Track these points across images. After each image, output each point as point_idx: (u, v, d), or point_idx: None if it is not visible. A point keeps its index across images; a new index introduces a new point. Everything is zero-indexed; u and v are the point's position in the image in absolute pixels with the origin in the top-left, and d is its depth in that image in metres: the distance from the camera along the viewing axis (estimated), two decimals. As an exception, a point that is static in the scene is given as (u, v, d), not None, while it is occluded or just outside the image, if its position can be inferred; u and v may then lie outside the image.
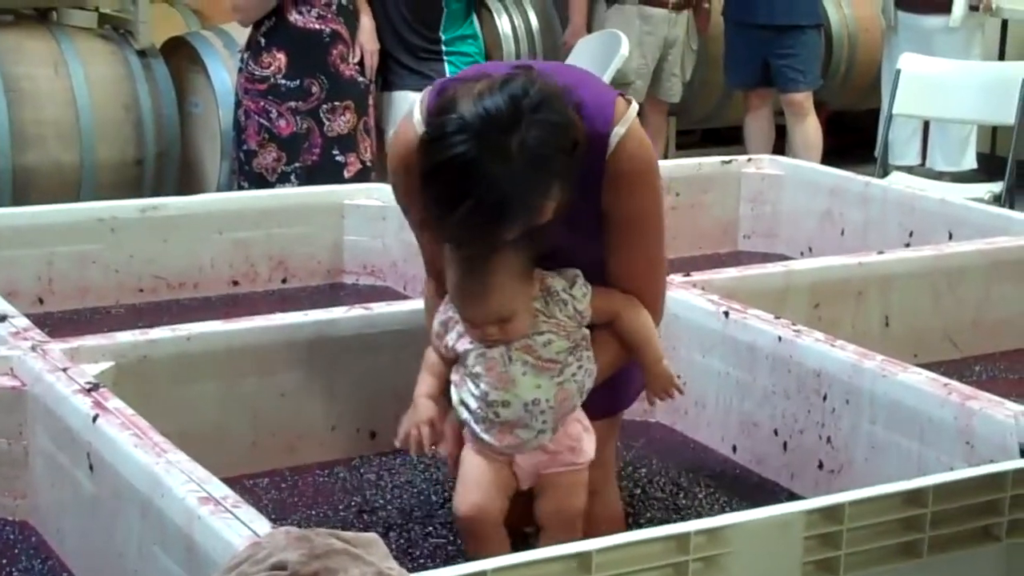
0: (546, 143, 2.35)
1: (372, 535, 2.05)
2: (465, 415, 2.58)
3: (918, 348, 3.66)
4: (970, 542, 2.37)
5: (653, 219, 2.63)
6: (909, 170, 7.00)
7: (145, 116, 5.48)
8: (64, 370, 2.76)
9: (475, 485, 2.57)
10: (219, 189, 5.52)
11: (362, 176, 5.08)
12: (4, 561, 2.68)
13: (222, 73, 5.77)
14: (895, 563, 2.32)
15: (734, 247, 4.73)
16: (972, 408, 2.69)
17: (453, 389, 2.61)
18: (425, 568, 2.62)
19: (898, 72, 6.06)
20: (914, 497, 2.32)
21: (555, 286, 2.55)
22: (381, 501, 2.93)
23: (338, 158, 5.11)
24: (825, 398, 2.96)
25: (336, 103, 5.09)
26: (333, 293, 4.21)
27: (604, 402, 2.67)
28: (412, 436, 2.58)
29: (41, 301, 3.95)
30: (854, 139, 8.02)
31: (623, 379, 2.73)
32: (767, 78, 6.91)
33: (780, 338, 3.05)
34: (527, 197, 2.35)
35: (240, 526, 2.17)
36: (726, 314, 3.18)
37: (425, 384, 2.64)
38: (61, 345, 2.89)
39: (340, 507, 2.92)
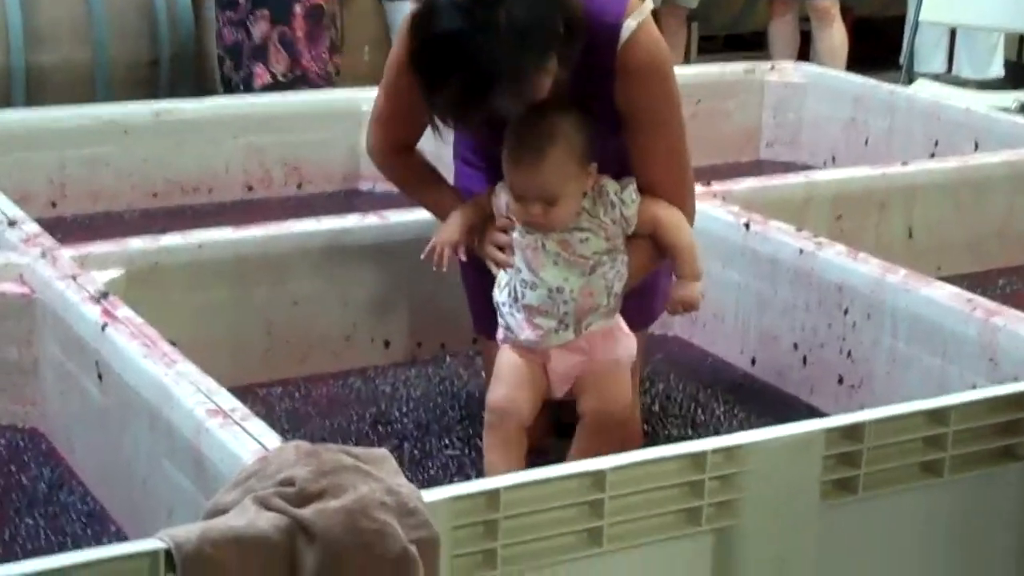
0: (533, 15, 2.32)
1: (382, 451, 1.99)
2: (499, 294, 2.55)
3: (941, 260, 3.60)
4: (991, 461, 2.31)
5: (669, 115, 2.57)
6: (935, 78, 6.87)
7: (159, 15, 5.37)
8: (73, 278, 2.71)
9: (508, 378, 2.54)
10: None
11: (271, 89, 4.78)
12: (13, 468, 2.65)
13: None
14: (916, 482, 2.26)
15: (756, 156, 4.66)
16: (996, 324, 2.63)
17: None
18: (438, 480, 2.60)
19: (926, -26, 5.92)
20: (936, 416, 2.26)
21: (608, 187, 2.51)
22: (396, 413, 2.89)
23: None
24: (846, 312, 2.90)
25: (256, 11, 4.83)
26: (348, 200, 4.15)
27: (633, 315, 2.61)
28: (436, 252, 2.56)
29: (54, 205, 3.92)
30: (879, 46, 7.87)
31: (652, 292, 2.69)
32: (791, -19, 6.76)
33: (801, 251, 2.99)
34: (516, 70, 2.32)
35: (248, 439, 2.12)
36: (747, 226, 3.11)
37: (465, 212, 2.59)
38: (71, 252, 2.84)
39: (354, 418, 2.88)
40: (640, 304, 2.65)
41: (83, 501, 2.54)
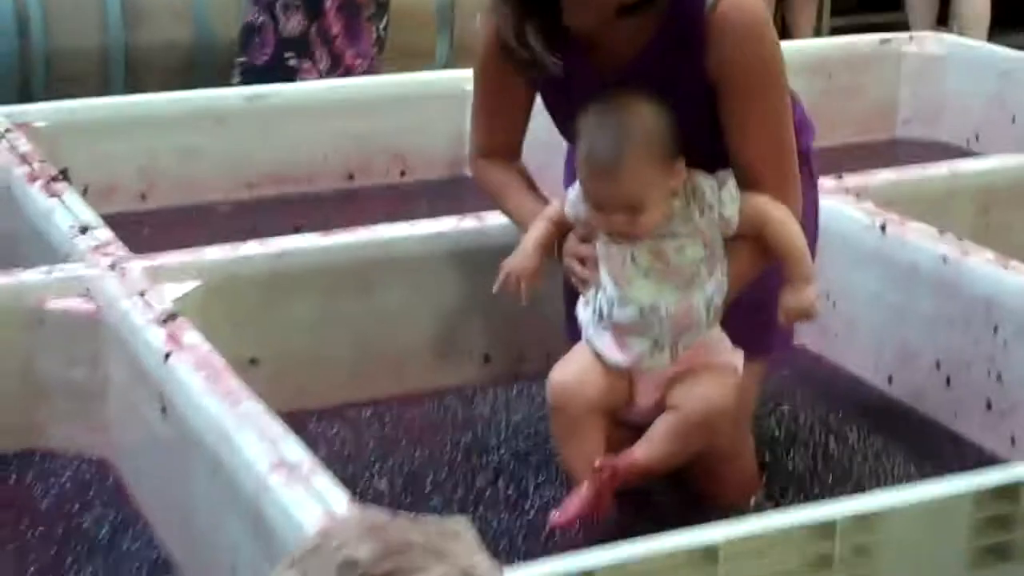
0: None
1: (459, 522, 1.73)
2: (583, 312, 2.29)
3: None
4: None
5: (769, 85, 2.26)
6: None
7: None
8: (142, 294, 2.48)
9: (578, 360, 2.28)
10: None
11: None
12: (77, 506, 2.43)
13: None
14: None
15: (891, 133, 4.33)
16: None
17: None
18: (534, 525, 2.35)
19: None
20: (1104, 470, 1.96)
21: (703, 186, 2.22)
22: (494, 441, 2.63)
23: (291, 62, 4.55)
24: (996, 329, 2.58)
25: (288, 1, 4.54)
26: (454, 188, 3.91)
27: (745, 342, 2.31)
28: (510, 283, 2.32)
29: (143, 197, 3.71)
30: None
31: (767, 312, 2.36)
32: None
33: (945, 258, 2.67)
34: None
35: (313, 503, 1.87)
36: (883, 228, 2.80)
37: (538, 229, 2.34)
38: (142, 263, 2.62)
39: (447, 445, 2.63)
40: (752, 327, 2.33)
41: (148, 547, 2.31)
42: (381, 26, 4.71)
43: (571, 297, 2.45)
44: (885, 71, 4.25)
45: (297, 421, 2.65)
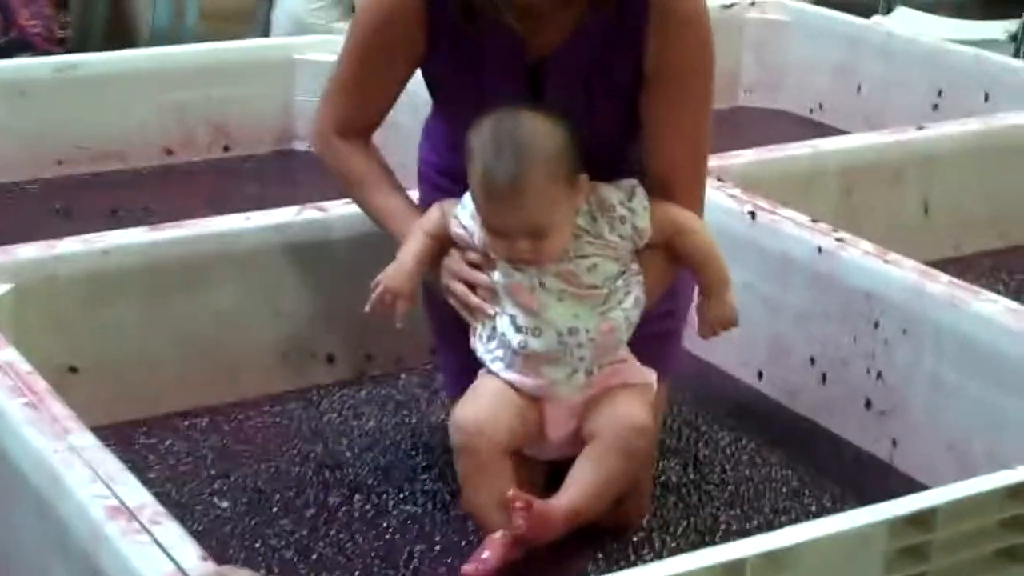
0: None
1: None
2: (481, 346, 2.07)
3: (961, 238, 3.17)
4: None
5: (701, 83, 2.12)
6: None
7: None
8: (-54, 301, 2.21)
9: (485, 396, 2.06)
10: (155, 29, 4.88)
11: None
12: None
13: None
14: (995, 574, 1.83)
15: (734, 102, 4.20)
16: (1068, 351, 2.18)
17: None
18: (393, 546, 2.15)
19: None
20: (1020, 491, 1.82)
21: (610, 198, 2.04)
22: (347, 454, 2.41)
23: None
24: (877, 325, 2.43)
25: None
26: (283, 162, 3.70)
27: (653, 359, 2.13)
28: (383, 303, 2.07)
29: (-60, 178, 3.40)
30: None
31: (672, 331, 2.26)
32: None
33: (820, 248, 2.52)
34: None
35: (160, 556, 1.63)
36: (752, 215, 2.64)
37: (418, 244, 2.10)
38: (-57, 265, 2.34)
39: (296, 459, 2.40)
40: (658, 345, 2.17)
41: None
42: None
43: (448, 343, 2.27)
44: (727, 37, 4.08)
45: (123, 435, 2.46)
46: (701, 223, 2.12)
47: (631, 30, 2.04)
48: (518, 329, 2.02)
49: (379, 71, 2.16)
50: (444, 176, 2.25)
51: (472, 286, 2.06)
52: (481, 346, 2.07)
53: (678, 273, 2.15)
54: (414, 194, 2.30)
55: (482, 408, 2.05)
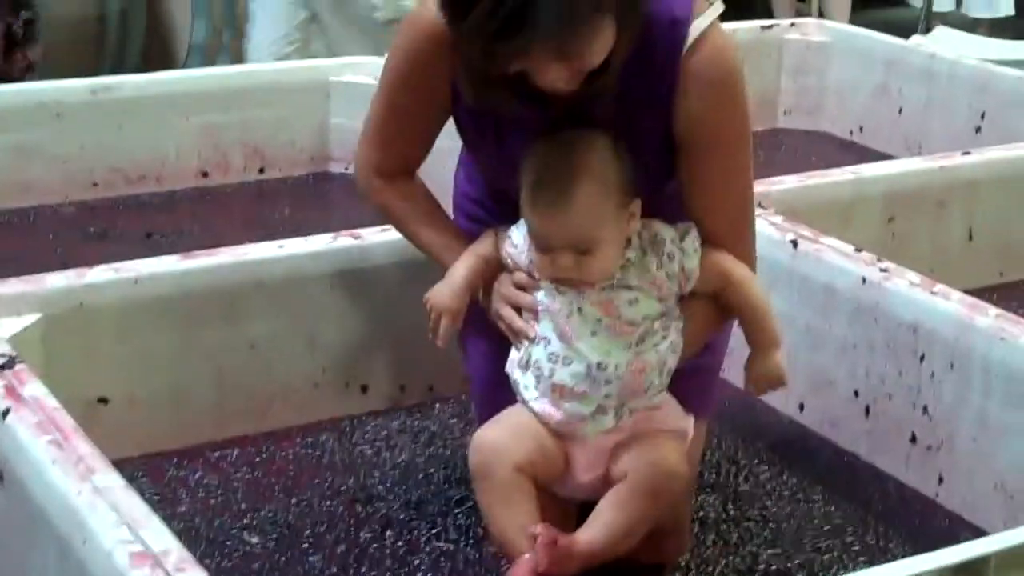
0: None
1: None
2: (515, 370, 2.01)
3: (1005, 264, 3.09)
4: None
5: (737, 140, 2.02)
6: (943, 18, 6.35)
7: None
8: (-26, 332, 2.15)
9: (502, 423, 2.00)
10: (191, 54, 4.84)
11: None
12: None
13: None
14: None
15: (773, 124, 4.13)
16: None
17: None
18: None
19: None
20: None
21: (663, 234, 1.97)
22: (380, 488, 2.34)
23: None
24: (923, 359, 2.35)
25: None
26: (318, 185, 3.64)
27: (691, 399, 2.06)
28: (434, 320, 2.03)
29: (-28, 200, 3.35)
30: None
31: (711, 369, 2.18)
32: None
33: (864, 279, 2.44)
34: None
35: (184, 606, 1.57)
36: (794, 244, 2.56)
37: (468, 265, 2.05)
38: (-26, 293, 2.28)
39: (327, 492, 2.33)
40: (696, 388, 2.09)
41: (-15, 629, 2.00)
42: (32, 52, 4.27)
43: (480, 368, 2.21)
44: (766, 59, 4.03)
45: (153, 467, 2.40)
46: (753, 277, 2.04)
47: (662, 92, 1.95)
48: (550, 356, 1.96)
49: (409, 119, 2.10)
50: (477, 205, 2.19)
51: (519, 309, 2.00)
52: (514, 369, 2.01)
53: (723, 325, 2.08)
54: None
55: (502, 432, 1.99)
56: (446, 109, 2.07)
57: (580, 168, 1.89)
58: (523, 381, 1.99)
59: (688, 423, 2.04)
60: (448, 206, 2.26)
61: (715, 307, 2.03)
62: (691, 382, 2.05)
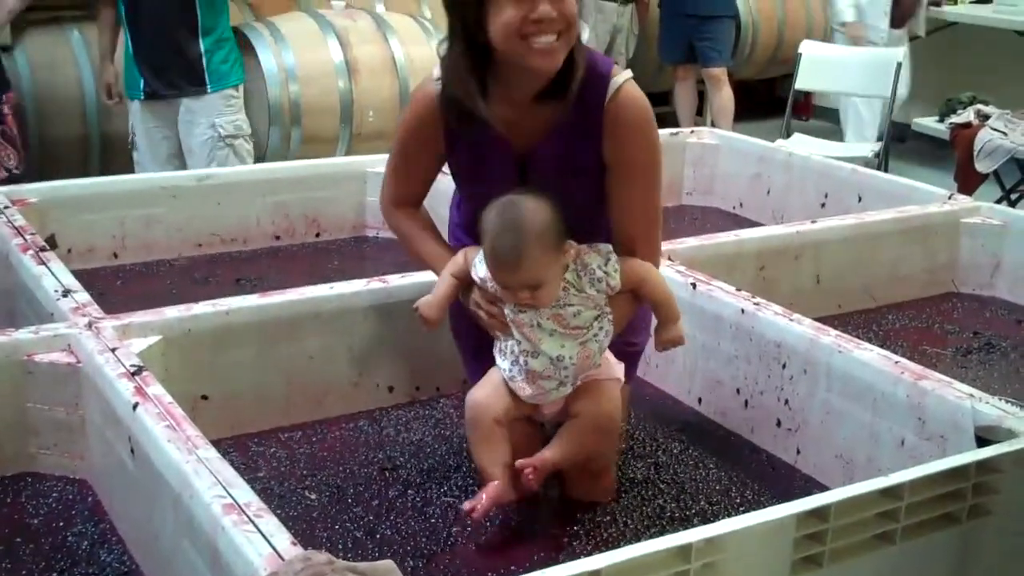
0: None
1: (388, 565, 1.45)
2: (501, 360, 2.03)
3: (842, 300, 3.08)
4: (937, 527, 1.80)
5: (651, 170, 2.02)
6: (799, 127, 6.35)
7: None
8: (113, 351, 2.14)
9: (487, 386, 2.04)
10: (269, 153, 4.83)
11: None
12: (61, 523, 2.08)
13: (268, 56, 5.03)
14: (872, 551, 1.75)
15: (679, 201, 4.11)
16: (924, 388, 2.09)
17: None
18: (437, 530, 2.07)
19: (799, 55, 5.38)
20: (891, 493, 1.74)
21: (591, 263, 1.97)
22: (401, 459, 2.33)
23: None
24: (784, 366, 2.36)
25: None
26: (358, 245, 3.60)
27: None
28: (420, 315, 2.05)
29: (115, 255, 3.32)
30: (755, 101, 7.36)
31: (636, 353, 2.21)
32: (692, 56, 6.25)
33: (743, 310, 2.45)
34: None
35: (262, 542, 1.56)
36: (693, 285, 2.57)
37: (446, 286, 2.06)
38: (113, 322, 2.27)
39: (364, 462, 2.32)
40: (626, 362, 2.13)
41: (120, 561, 1.98)
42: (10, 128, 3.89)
43: (467, 344, 2.22)
44: (674, 155, 4.03)
45: (241, 444, 2.38)
46: (658, 273, 2.05)
47: (593, 132, 1.96)
48: (522, 352, 1.98)
49: (415, 163, 2.11)
50: (463, 231, 2.20)
51: (490, 313, 2.01)
52: (499, 358, 2.03)
53: (638, 310, 2.09)
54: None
55: (486, 394, 2.02)
56: (442, 156, 2.08)
57: (524, 234, 1.88)
58: (504, 366, 2.01)
59: (620, 370, 2.07)
60: (444, 229, 2.27)
61: (632, 298, 2.04)
62: (622, 359, 2.09)
